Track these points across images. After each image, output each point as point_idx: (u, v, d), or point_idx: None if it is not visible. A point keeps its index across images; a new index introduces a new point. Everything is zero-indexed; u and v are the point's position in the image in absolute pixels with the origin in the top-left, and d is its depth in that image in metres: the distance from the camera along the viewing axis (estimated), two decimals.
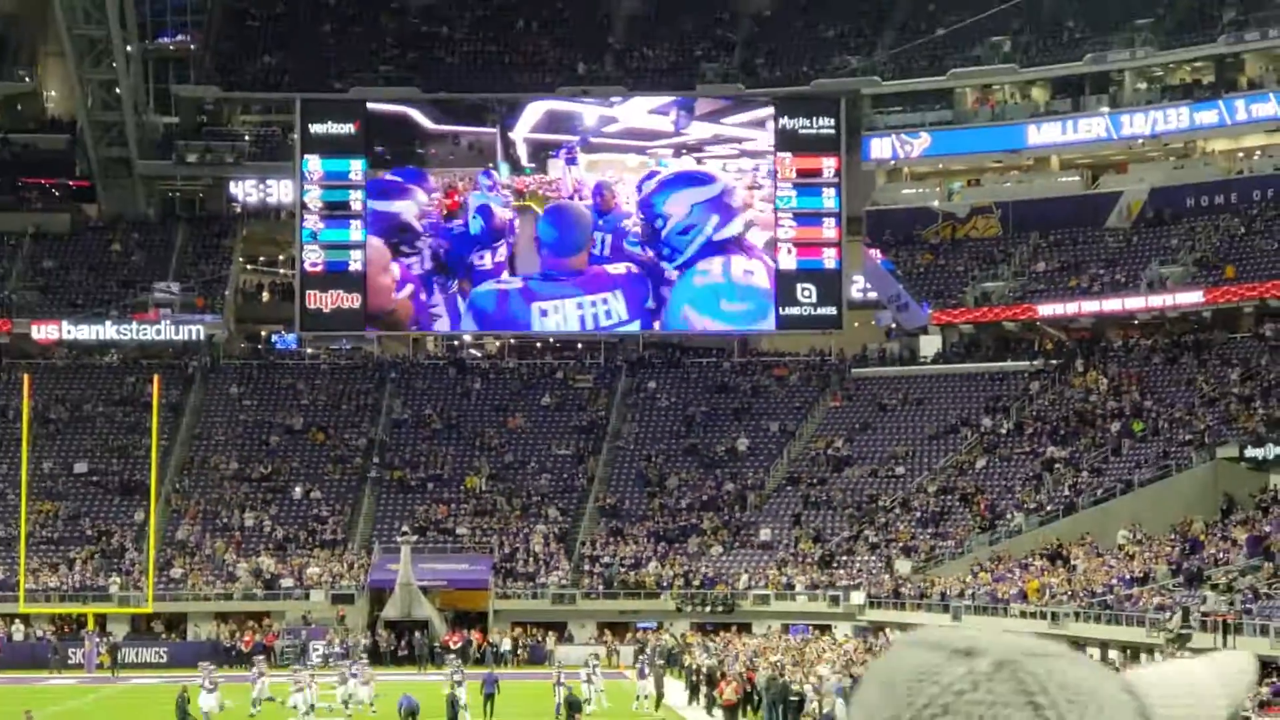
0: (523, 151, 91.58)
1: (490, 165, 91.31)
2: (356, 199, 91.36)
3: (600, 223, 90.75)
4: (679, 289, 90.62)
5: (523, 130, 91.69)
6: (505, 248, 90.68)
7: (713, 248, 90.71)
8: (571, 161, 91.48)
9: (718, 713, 50.72)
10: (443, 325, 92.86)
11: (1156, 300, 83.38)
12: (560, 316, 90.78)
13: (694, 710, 54.03)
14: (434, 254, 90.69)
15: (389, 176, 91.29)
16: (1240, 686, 1.82)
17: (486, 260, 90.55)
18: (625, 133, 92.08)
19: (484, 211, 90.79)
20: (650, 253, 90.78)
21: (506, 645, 72.59)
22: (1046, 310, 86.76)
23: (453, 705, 44.50)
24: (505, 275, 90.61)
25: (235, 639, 72.48)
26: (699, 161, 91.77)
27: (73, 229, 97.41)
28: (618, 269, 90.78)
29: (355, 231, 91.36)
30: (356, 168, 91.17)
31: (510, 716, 51.01)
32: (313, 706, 50.29)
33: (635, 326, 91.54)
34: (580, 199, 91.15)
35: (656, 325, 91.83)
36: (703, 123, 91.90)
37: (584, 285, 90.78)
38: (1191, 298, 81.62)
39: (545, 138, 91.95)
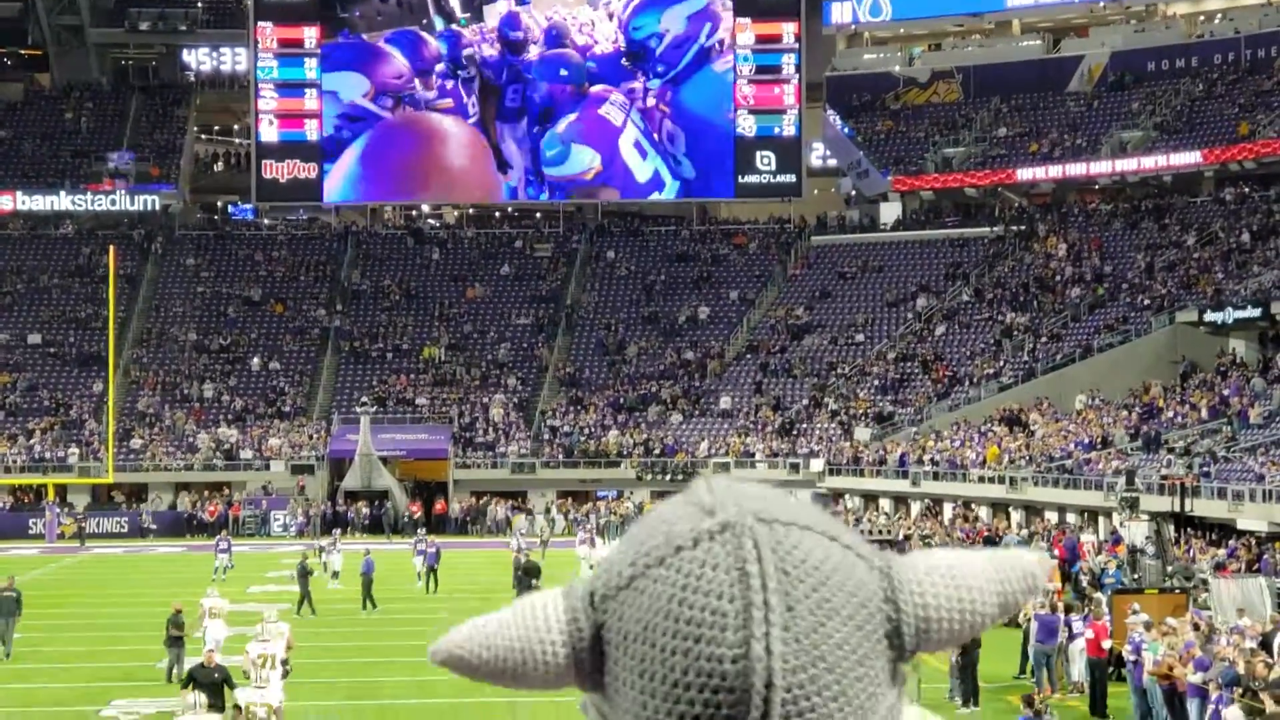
0: (456, 2, 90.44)
1: (423, 21, 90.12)
2: (311, 67, 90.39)
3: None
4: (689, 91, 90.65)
5: None
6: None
7: (703, 55, 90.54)
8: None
9: None
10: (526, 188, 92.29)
11: (1145, 162, 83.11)
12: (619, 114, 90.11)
13: None
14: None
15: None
16: (1017, 586, 1.72)
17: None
18: None
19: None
20: (641, 78, 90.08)
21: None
22: (1007, 176, 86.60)
23: (527, 573, 44.42)
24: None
25: (196, 509, 72.54)
26: None
27: (25, 98, 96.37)
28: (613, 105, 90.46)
29: (310, 100, 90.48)
30: (311, 34, 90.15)
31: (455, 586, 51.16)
32: (336, 573, 50.17)
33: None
34: (531, 45, 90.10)
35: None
36: None
37: (595, 101, 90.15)
38: (1190, 158, 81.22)
39: None
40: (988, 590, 1.71)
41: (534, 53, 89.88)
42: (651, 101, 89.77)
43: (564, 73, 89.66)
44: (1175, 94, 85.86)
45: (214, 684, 24.18)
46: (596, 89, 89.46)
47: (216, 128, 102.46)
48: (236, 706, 22.94)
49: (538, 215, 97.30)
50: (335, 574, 50.17)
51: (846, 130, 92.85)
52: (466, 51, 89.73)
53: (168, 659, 31.68)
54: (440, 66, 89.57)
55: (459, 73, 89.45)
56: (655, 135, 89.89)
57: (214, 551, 53.30)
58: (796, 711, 1.57)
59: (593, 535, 57.40)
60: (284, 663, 25.56)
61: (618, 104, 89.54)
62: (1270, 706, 23.50)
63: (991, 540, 51.66)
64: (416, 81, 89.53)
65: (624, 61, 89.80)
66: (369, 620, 42.89)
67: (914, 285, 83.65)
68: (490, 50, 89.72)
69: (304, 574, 43.86)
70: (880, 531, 51.25)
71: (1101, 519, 54.74)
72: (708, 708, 1.56)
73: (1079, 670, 31.13)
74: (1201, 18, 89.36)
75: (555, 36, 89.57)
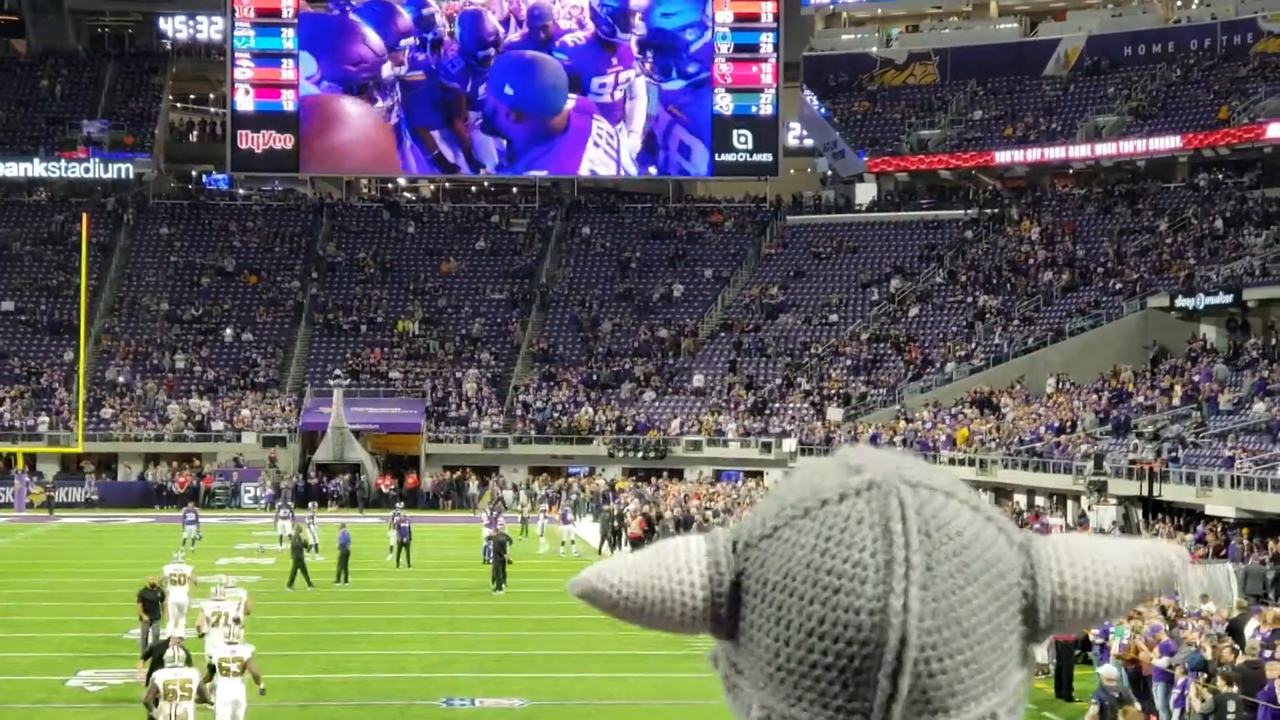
0: None
1: None
2: (288, 37, 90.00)
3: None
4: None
5: None
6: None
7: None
8: None
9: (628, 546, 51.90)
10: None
11: (1124, 147, 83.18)
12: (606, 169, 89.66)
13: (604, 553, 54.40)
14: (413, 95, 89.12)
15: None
16: (1155, 575, 1.73)
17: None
18: None
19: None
20: (618, 65, 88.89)
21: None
22: (982, 159, 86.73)
23: (499, 546, 44.29)
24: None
25: (167, 481, 72.29)
26: None
27: (0, 64, 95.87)
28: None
29: (287, 70, 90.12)
30: (289, 4, 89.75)
31: (429, 559, 51.23)
32: (316, 546, 49.82)
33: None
34: (517, 24, 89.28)
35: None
36: None
37: (576, 140, 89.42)
38: (1168, 143, 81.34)
39: None
40: (1126, 576, 1.72)
41: (516, 33, 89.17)
42: (619, 95, 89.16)
43: (509, 90, 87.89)
44: (1151, 79, 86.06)
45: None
46: (570, 104, 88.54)
47: (192, 96, 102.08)
48: (211, 667, 22.99)
49: (514, 190, 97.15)
50: (314, 546, 50.07)
51: (823, 110, 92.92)
52: (426, 12, 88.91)
53: (139, 632, 31.53)
54: (411, 41, 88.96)
55: (427, 35, 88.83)
56: (621, 129, 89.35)
57: (181, 523, 53.17)
58: (928, 672, 1.58)
59: (566, 512, 57.37)
60: (236, 621, 25.58)
61: (605, 137, 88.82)
62: (1223, 687, 23.70)
63: None
64: (387, 63, 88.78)
65: (644, 54, 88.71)
66: (339, 593, 42.88)
67: (888, 266, 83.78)
68: (450, 40, 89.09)
69: (298, 546, 43.76)
70: None
71: (1070, 502, 54.93)
72: (840, 658, 1.58)
73: (1043, 653, 31.24)
74: (1178, 3, 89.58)
75: (537, 16, 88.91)
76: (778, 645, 1.62)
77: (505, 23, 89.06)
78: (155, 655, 24.55)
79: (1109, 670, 25.13)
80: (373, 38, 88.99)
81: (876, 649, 1.57)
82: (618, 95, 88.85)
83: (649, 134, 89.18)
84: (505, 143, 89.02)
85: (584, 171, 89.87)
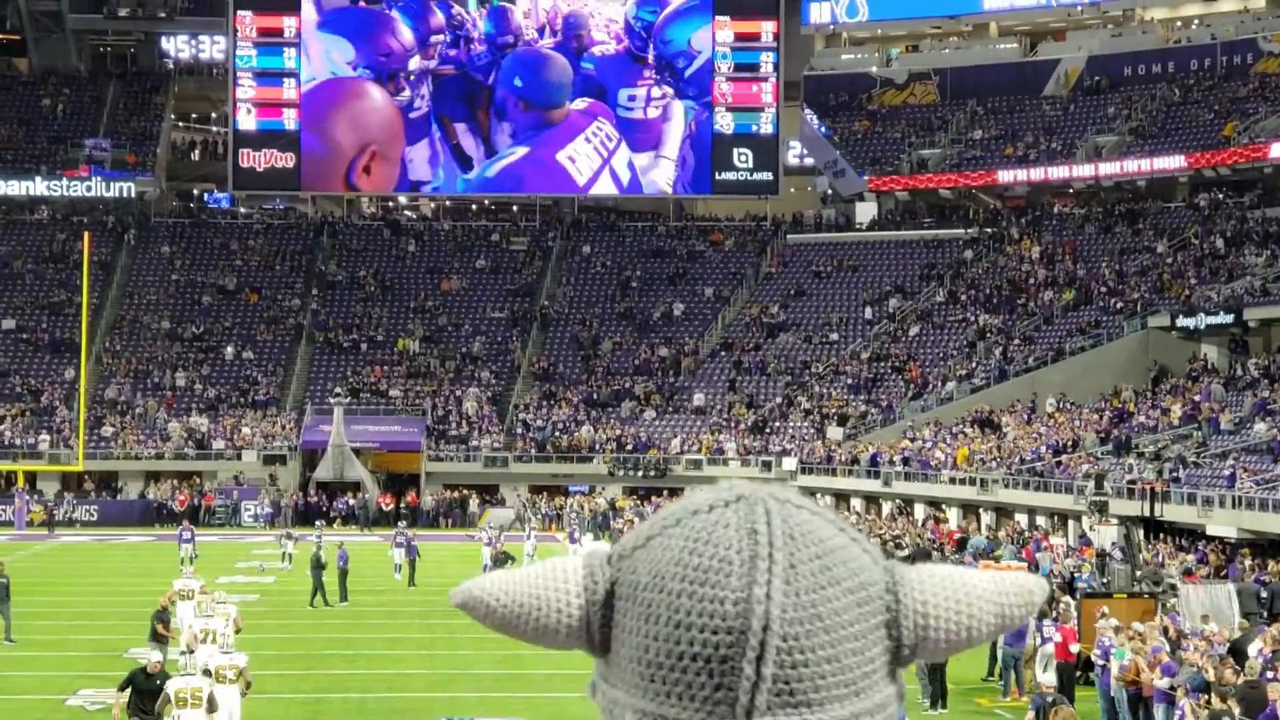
0: None
1: None
2: (290, 56, 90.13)
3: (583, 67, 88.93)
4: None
5: None
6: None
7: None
8: None
9: None
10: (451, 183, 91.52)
11: (1128, 166, 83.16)
12: (588, 162, 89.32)
13: None
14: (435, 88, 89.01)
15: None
16: (1016, 602, 1.79)
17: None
18: None
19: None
20: (670, 90, 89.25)
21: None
22: (983, 178, 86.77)
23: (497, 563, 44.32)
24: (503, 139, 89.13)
25: (171, 498, 72.22)
26: None
27: (2, 83, 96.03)
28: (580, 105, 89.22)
29: (289, 89, 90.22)
30: (291, 24, 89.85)
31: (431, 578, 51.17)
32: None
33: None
34: (552, 33, 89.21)
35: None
36: None
37: (567, 132, 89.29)
38: (1171, 163, 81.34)
39: None
40: (987, 602, 1.77)
41: (548, 41, 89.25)
42: (655, 113, 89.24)
43: (518, 82, 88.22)
44: (1151, 99, 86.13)
45: (153, 692, 23.61)
46: (580, 105, 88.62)
47: (194, 115, 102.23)
48: (206, 671, 22.96)
49: (514, 208, 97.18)
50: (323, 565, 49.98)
51: (823, 129, 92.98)
52: (455, 12, 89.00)
53: (150, 651, 31.30)
54: (443, 38, 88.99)
55: (459, 32, 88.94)
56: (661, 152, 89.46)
57: (178, 541, 52.99)
58: (790, 663, 1.64)
59: (573, 531, 57.23)
60: (223, 636, 25.50)
61: (599, 138, 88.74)
62: (1217, 703, 23.65)
63: (963, 543, 51.75)
64: (415, 56, 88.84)
65: (655, 72, 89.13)
66: (338, 612, 42.83)
67: (888, 285, 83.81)
68: (478, 46, 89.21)
69: (318, 565, 43.72)
70: None
71: (1071, 522, 54.85)
72: (705, 647, 1.64)
73: (1042, 671, 31.17)
74: (1178, 23, 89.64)
75: (572, 24, 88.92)
76: (647, 641, 1.68)
77: (541, 30, 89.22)
78: (133, 685, 23.98)
79: (1048, 678, 25.75)
80: (405, 32, 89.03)
81: (740, 636, 1.63)
82: (651, 113, 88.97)
83: (684, 158, 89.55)
84: (509, 130, 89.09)
85: (562, 158, 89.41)
